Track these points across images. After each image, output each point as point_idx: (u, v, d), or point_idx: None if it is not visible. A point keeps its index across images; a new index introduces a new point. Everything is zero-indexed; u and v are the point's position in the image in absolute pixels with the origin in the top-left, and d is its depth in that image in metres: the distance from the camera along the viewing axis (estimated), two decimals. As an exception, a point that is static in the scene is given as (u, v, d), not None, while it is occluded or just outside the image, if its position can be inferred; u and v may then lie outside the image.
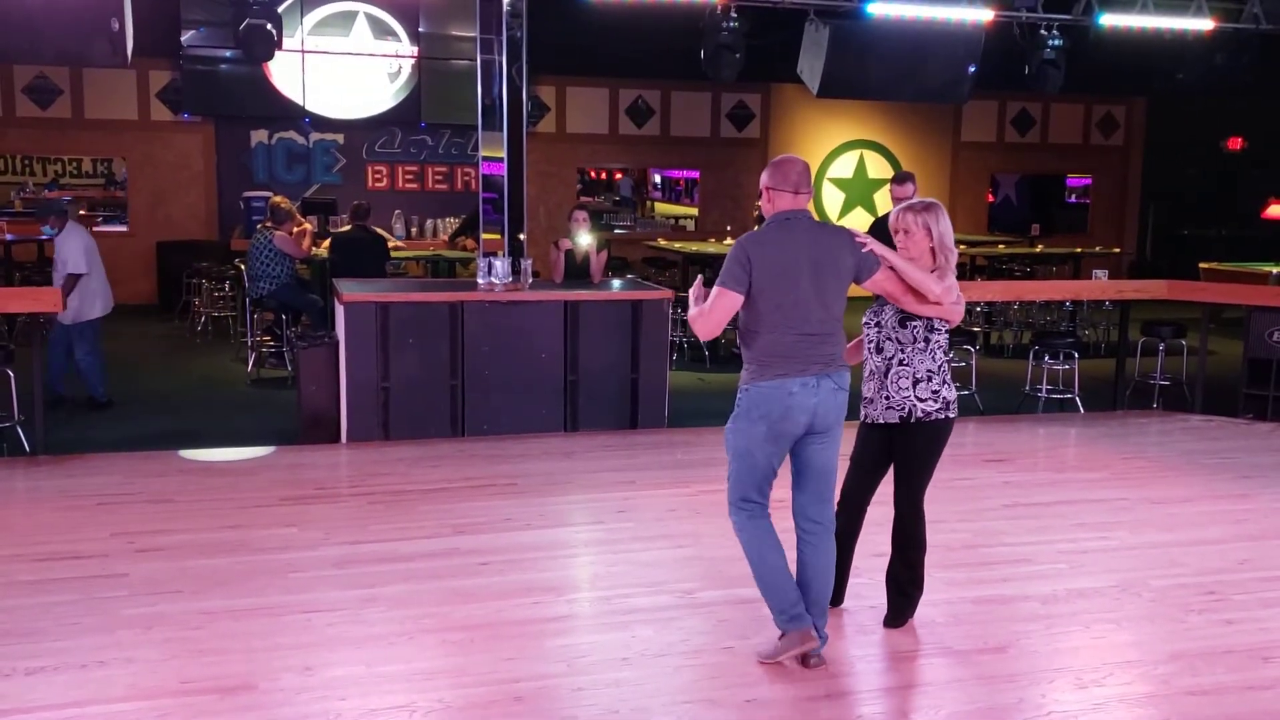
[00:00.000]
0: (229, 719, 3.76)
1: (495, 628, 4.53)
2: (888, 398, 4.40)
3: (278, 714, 3.80)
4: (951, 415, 4.44)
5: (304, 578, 5.07)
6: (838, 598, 4.68)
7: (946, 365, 4.47)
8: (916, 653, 4.38)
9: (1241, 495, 6.70)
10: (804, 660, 4.18)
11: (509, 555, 5.41)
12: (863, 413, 4.51)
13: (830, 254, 4.13)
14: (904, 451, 4.44)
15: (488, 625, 4.55)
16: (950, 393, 4.44)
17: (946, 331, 4.45)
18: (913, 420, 4.38)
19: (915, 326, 4.38)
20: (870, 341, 4.50)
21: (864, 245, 4.21)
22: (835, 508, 4.34)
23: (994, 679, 4.17)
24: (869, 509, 4.60)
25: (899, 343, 4.41)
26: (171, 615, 4.60)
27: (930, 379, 4.38)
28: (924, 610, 4.71)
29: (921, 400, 4.37)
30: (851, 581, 4.90)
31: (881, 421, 4.44)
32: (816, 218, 4.29)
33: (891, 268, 4.30)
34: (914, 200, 4.51)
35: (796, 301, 4.06)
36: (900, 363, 4.39)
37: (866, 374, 4.52)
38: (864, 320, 4.55)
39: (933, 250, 4.38)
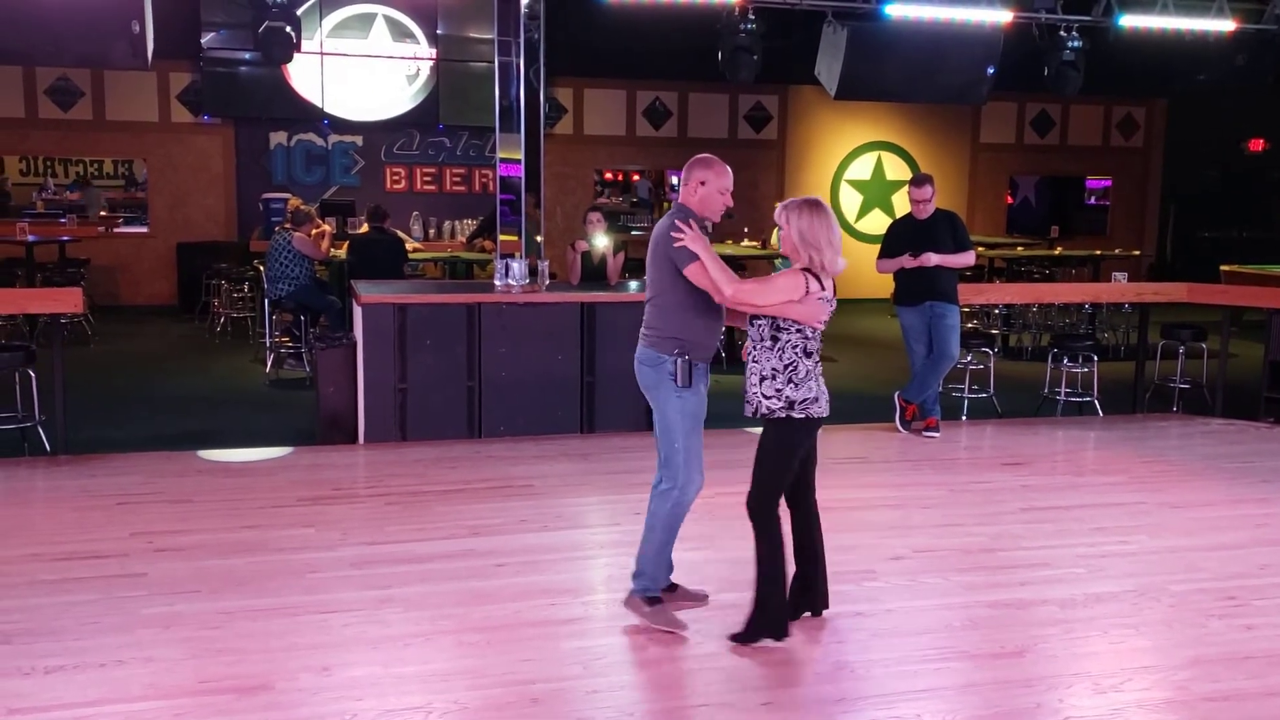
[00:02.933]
0: (246, 718, 3.78)
1: (512, 629, 4.54)
2: (744, 392, 4.48)
3: (295, 714, 3.81)
4: (797, 415, 4.35)
5: (322, 578, 5.09)
6: (817, 604, 4.66)
7: (800, 365, 4.36)
8: (933, 657, 4.36)
9: (1262, 500, 6.66)
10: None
11: (525, 557, 5.42)
12: None
13: (655, 242, 4.53)
14: (760, 446, 4.47)
15: (504, 626, 4.56)
16: (797, 393, 4.34)
17: (811, 334, 4.36)
18: (758, 415, 4.43)
19: (760, 325, 4.41)
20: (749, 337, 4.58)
21: (678, 238, 4.38)
22: (674, 474, 4.52)
23: (1011, 684, 4.15)
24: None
25: (752, 340, 4.47)
26: (190, 615, 4.62)
27: (774, 377, 4.37)
28: (941, 614, 4.70)
29: (766, 397, 4.38)
30: (866, 585, 4.89)
31: (748, 414, 4.52)
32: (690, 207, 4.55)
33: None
34: (797, 198, 4.52)
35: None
36: (753, 359, 4.45)
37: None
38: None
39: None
